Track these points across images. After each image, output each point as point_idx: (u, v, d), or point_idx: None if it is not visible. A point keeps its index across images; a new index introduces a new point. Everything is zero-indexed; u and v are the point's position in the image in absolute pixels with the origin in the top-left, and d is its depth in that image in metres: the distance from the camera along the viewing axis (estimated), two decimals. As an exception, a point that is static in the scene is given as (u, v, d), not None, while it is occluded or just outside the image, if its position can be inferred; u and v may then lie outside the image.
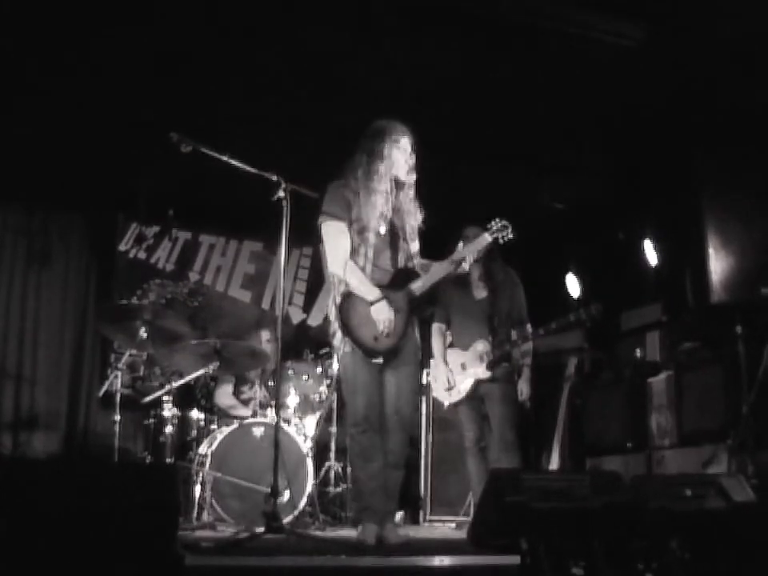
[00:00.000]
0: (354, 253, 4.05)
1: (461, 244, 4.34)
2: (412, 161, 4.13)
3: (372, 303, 3.98)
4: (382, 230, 4.09)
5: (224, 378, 6.42)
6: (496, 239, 4.23)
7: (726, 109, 5.78)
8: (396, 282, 4.09)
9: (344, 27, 5.12)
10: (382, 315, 3.98)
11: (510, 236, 4.22)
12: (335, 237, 4.07)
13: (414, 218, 4.19)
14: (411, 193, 4.18)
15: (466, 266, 4.23)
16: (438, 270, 4.14)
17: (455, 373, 5.25)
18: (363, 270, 4.03)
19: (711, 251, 5.39)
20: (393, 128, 4.12)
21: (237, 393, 6.50)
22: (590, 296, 5.30)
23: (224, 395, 6.39)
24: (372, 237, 4.04)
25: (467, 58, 5.42)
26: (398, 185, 4.12)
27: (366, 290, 4.01)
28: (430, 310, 4.22)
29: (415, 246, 4.22)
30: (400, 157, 4.08)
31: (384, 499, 4.01)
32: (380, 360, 4.02)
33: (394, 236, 4.14)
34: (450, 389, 5.26)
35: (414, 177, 4.15)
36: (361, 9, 4.93)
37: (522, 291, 5.44)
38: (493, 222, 4.23)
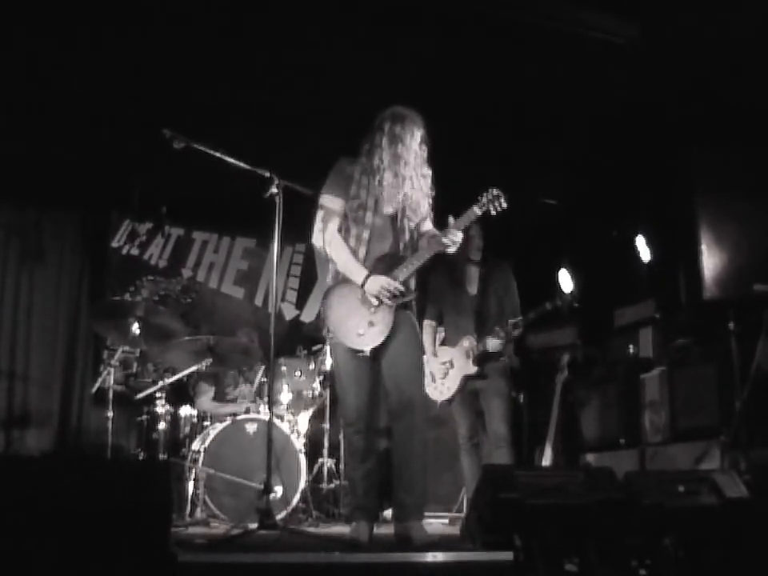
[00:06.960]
0: (346, 233, 4.01)
1: (450, 219, 4.02)
2: (425, 153, 4.07)
3: (362, 285, 3.90)
4: (390, 209, 4.02)
5: (202, 387, 6.42)
6: (488, 211, 3.99)
7: (718, 106, 5.79)
8: (380, 268, 3.97)
9: (337, 24, 5.12)
10: (376, 288, 3.90)
11: (504, 205, 3.97)
12: (324, 211, 4.04)
13: (424, 209, 4.10)
14: (425, 186, 4.10)
15: (455, 242, 3.94)
16: (423, 252, 4.02)
17: (444, 370, 5.26)
18: (356, 251, 3.97)
19: (704, 248, 5.39)
20: (412, 118, 4.05)
21: (222, 395, 6.51)
22: (583, 292, 5.29)
23: (205, 402, 6.39)
24: (370, 217, 3.99)
25: (461, 54, 5.42)
26: (414, 175, 4.04)
27: (354, 269, 3.94)
28: (411, 296, 4.06)
29: (427, 225, 4.14)
30: (411, 147, 4.01)
31: (377, 498, 4.00)
32: (366, 353, 3.93)
33: (401, 223, 4.05)
34: (435, 385, 5.28)
35: (429, 170, 4.10)
36: (356, 6, 4.93)
37: (515, 287, 5.44)
38: (485, 193, 4.01)
